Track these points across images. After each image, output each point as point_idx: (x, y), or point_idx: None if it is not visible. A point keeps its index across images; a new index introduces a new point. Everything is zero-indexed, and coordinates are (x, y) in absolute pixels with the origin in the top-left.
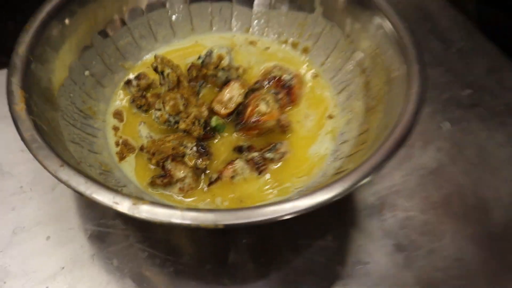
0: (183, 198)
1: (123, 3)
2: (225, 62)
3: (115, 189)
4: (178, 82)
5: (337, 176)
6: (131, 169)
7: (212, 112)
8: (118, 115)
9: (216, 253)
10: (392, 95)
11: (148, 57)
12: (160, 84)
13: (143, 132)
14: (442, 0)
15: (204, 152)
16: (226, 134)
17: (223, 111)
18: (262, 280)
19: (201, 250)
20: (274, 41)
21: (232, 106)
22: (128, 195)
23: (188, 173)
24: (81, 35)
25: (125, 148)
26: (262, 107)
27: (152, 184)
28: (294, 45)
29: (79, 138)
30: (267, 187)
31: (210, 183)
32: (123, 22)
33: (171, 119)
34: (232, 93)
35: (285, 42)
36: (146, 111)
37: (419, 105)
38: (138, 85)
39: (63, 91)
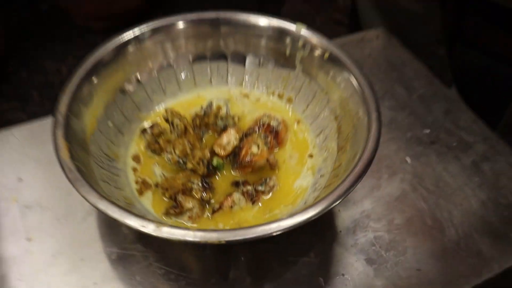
0: (192, 225)
1: (139, 66)
2: (223, 112)
3: (142, 216)
4: (185, 130)
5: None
6: (149, 202)
7: (213, 154)
8: (136, 158)
9: (219, 269)
10: (357, 137)
11: (159, 108)
12: (171, 132)
13: (157, 171)
14: (407, 54)
15: (208, 187)
16: (225, 172)
17: (222, 153)
18: None
19: (207, 267)
20: (263, 93)
21: (229, 148)
22: (152, 220)
23: (195, 204)
24: (105, 93)
25: (143, 185)
26: (254, 149)
27: (167, 213)
28: (280, 96)
29: (107, 177)
30: (259, 214)
31: (213, 212)
32: (138, 81)
33: (180, 160)
34: (229, 138)
35: (273, 93)
36: (159, 154)
37: (376, 145)
38: (152, 133)
39: (93, 140)
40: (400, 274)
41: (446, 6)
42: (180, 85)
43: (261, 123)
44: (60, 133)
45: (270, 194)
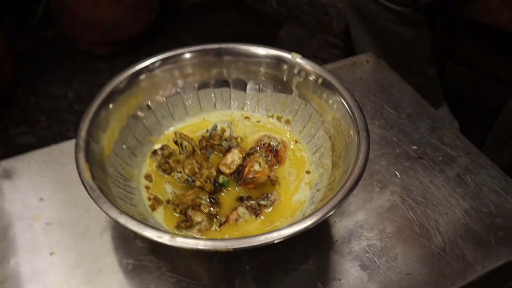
0: (201, 236)
1: (150, 93)
2: (227, 134)
3: (157, 228)
4: (193, 151)
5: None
6: (161, 217)
7: (219, 172)
8: (148, 177)
9: (226, 277)
10: (348, 155)
11: (168, 132)
12: (180, 153)
13: (168, 189)
14: (395, 76)
15: (215, 202)
16: (230, 188)
17: (227, 171)
18: None
19: (215, 275)
20: (263, 115)
21: (233, 167)
22: (167, 232)
23: (204, 218)
24: (120, 120)
25: (156, 202)
26: (256, 167)
27: (178, 227)
28: (279, 119)
29: (123, 195)
30: (262, 226)
31: (220, 225)
32: (149, 107)
33: (189, 179)
34: (233, 158)
35: (272, 116)
36: (169, 173)
37: (365, 161)
38: (162, 154)
39: (110, 161)
40: (392, 278)
41: (435, 28)
42: (187, 110)
43: (262, 143)
44: (81, 156)
45: (271, 207)
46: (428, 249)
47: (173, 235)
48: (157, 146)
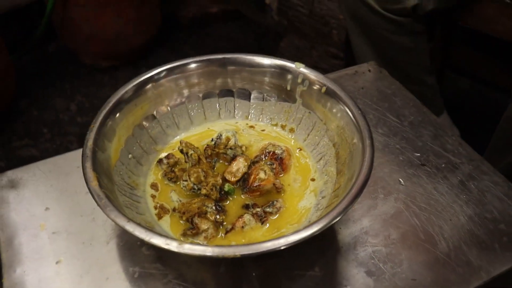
0: (207, 244)
1: (155, 103)
2: (232, 142)
3: (165, 235)
4: (199, 159)
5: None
6: (167, 225)
7: (224, 180)
8: (154, 186)
9: (233, 283)
10: (353, 161)
11: (173, 141)
12: (185, 161)
13: (174, 197)
14: (397, 84)
15: (220, 209)
16: (236, 196)
17: (232, 179)
18: None
19: (222, 282)
20: (267, 124)
21: (239, 175)
22: (175, 239)
23: (210, 225)
24: (125, 129)
25: (162, 210)
26: (261, 175)
27: (184, 234)
28: (283, 127)
29: (129, 203)
30: (268, 233)
31: (227, 232)
32: (154, 117)
33: (195, 187)
34: (239, 166)
35: (276, 125)
36: (175, 182)
37: (370, 168)
38: (167, 163)
39: (116, 170)
40: (397, 284)
41: (434, 38)
42: (192, 119)
43: (266, 151)
44: (89, 165)
45: (277, 214)
46: (433, 255)
47: (181, 242)
48: (162, 155)
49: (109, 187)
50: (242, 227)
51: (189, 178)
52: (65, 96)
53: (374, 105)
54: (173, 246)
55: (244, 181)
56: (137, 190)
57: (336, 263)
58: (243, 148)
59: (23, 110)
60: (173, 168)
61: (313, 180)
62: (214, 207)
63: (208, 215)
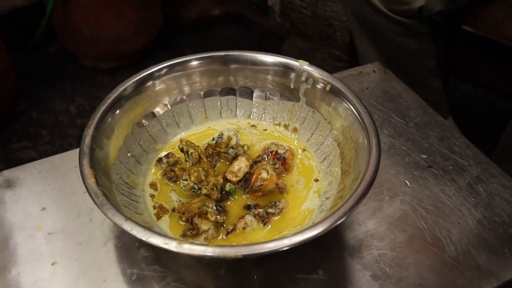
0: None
1: (155, 101)
2: (233, 142)
3: (164, 235)
4: (199, 158)
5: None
6: (166, 225)
7: (226, 180)
8: (153, 185)
9: (234, 286)
10: (358, 161)
11: (173, 140)
12: (186, 160)
13: (173, 197)
14: (402, 85)
15: (221, 210)
16: (237, 196)
17: (234, 179)
18: None
19: (222, 285)
20: (270, 124)
21: (240, 175)
22: (174, 238)
23: (211, 226)
24: (125, 127)
25: (161, 210)
26: (264, 175)
27: (184, 235)
28: (286, 127)
29: (127, 203)
30: (270, 234)
31: (228, 233)
32: (154, 115)
33: (195, 186)
34: (240, 165)
35: (279, 124)
36: (175, 181)
37: (377, 166)
38: (167, 162)
39: (114, 169)
40: None
41: (438, 42)
42: (192, 118)
43: (269, 151)
44: (86, 162)
45: (280, 216)
46: (441, 259)
47: (180, 241)
48: (162, 154)
49: (106, 185)
50: (244, 228)
51: (189, 177)
52: (65, 98)
53: (379, 105)
54: (172, 246)
55: (245, 181)
56: (136, 190)
57: (340, 266)
58: (245, 148)
59: (23, 111)
60: (173, 167)
61: (316, 180)
62: (214, 207)
63: (209, 216)
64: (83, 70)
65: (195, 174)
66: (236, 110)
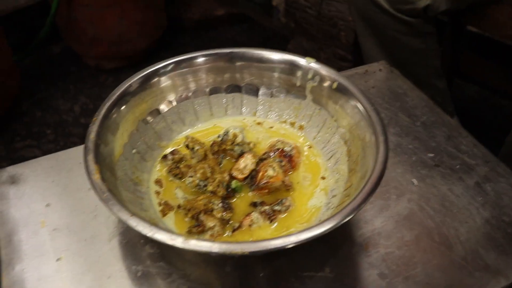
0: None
1: (160, 98)
2: (239, 139)
3: (170, 231)
4: (205, 155)
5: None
6: (171, 222)
7: (231, 177)
8: (158, 182)
9: (239, 284)
10: (366, 159)
11: (178, 137)
12: (191, 157)
13: (179, 194)
14: (408, 84)
15: (227, 207)
16: (243, 193)
17: (240, 176)
18: None
19: (228, 282)
20: (276, 121)
21: (246, 172)
22: (180, 234)
23: (217, 223)
24: (130, 123)
25: (166, 207)
26: (270, 172)
27: (189, 232)
28: (292, 124)
29: (132, 199)
30: (276, 232)
31: (234, 230)
32: (159, 112)
33: (201, 183)
34: (246, 162)
35: (285, 122)
36: (180, 178)
37: (384, 164)
38: (172, 159)
39: (119, 165)
40: (411, 287)
41: (444, 42)
42: (197, 115)
43: (275, 149)
44: (91, 158)
45: (286, 213)
46: (448, 258)
47: (187, 237)
48: (168, 151)
49: (111, 181)
50: (250, 225)
51: (195, 174)
52: (69, 97)
53: (386, 104)
54: (178, 242)
55: (252, 178)
56: (141, 186)
57: (347, 264)
58: (251, 145)
59: (26, 111)
60: (178, 164)
61: (323, 178)
62: (220, 205)
63: (215, 213)
64: (87, 69)
65: (201, 171)
66: (241, 108)
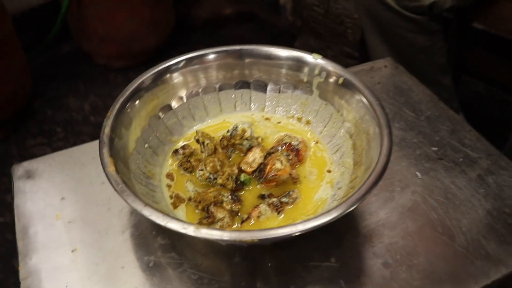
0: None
1: (171, 94)
2: (247, 134)
3: (182, 220)
4: (215, 149)
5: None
6: (183, 214)
7: (240, 170)
8: (170, 176)
9: (248, 273)
10: (370, 151)
11: (189, 132)
12: (201, 151)
13: (189, 187)
14: (413, 80)
15: (236, 199)
16: (252, 186)
17: (248, 169)
18: None
19: (237, 272)
20: (283, 116)
21: (255, 165)
22: (192, 223)
23: (226, 215)
24: (142, 119)
25: (177, 200)
26: (278, 165)
27: (200, 223)
28: (299, 119)
29: (145, 192)
30: (284, 223)
31: (242, 222)
32: (170, 107)
33: (211, 176)
34: (255, 156)
35: (292, 117)
36: (191, 172)
37: (388, 155)
38: (183, 153)
39: (132, 159)
40: (414, 276)
41: (449, 39)
42: (207, 111)
43: (283, 143)
44: (106, 151)
45: (293, 205)
46: (451, 248)
47: (198, 226)
48: (179, 145)
49: (125, 174)
50: (258, 217)
51: (205, 168)
52: (79, 96)
53: (391, 99)
54: (190, 230)
55: (260, 171)
56: (153, 180)
57: (352, 254)
58: (259, 140)
59: (38, 109)
60: (189, 158)
61: (329, 171)
62: (230, 197)
63: (224, 205)
64: (96, 68)
65: (211, 164)
66: (250, 103)
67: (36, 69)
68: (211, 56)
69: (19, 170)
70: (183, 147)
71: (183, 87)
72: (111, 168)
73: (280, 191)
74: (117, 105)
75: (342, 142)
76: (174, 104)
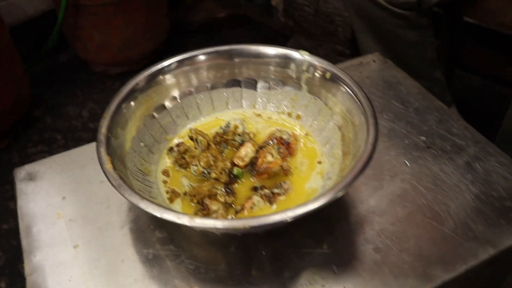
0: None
1: (164, 94)
2: (240, 130)
3: (177, 211)
4: (208, 145)
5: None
6: (179, 208)
7: (233, 164)
8: (165, 172)
9: (243, 262)
10: (357, 141)
11: (182, 131)
12: (195, 148)
13: (184, 182)
14: (402, 73)
15: (230, 192)
16: (244, 179)
17: (241, 163)
18: (278, 278)
19: (232, 261)
20: (274, 112)
21: (247, 159)
22: (186, 214)
23: (220, 206)
24: (137, 119)
25: (173, 195)
26: (269, 158)
27: (195, 215)
28: (289, 114)
29: (142, 188)
30: None
31: (236, 213)
32: (164, 107)
33: (205, 171)
34: (247, 151)
35: (283, 112)
36: (186, 168)
37: (374, 146)
38: (178, 151)
39: (129, 157)
40: (405, 259)
41: (442, 33)
42: (200, 109)
43: (274, 137)
44: (103, 150)
45: (285, 195)
46: (440, 231)
47: (192, 216)
48: (174, 143)
49: (122, 171)
50: (251, 208)
51: (199, 163)
52: (77, 103)
53: (380, 93)
54: (184, 220)
55: (252, 165)
56: (150, 176)
57: (344, 241)
58: (251, 135)
59: (38, 118)
60: (183, 155)
61: (319, 163)
62: (223, 190)
63: (218, 197)
64: (94, 76)
65: (204, 159)
66: (241, 101)
67: (35, 78)
68: (202, 57)
69: (21, 173)
70: (177, 145)
71: (176, 87)
72: (108, 165)
73: (272, 183)
74: (112, 106)
75: (332, 135)
76: (168, 104)
